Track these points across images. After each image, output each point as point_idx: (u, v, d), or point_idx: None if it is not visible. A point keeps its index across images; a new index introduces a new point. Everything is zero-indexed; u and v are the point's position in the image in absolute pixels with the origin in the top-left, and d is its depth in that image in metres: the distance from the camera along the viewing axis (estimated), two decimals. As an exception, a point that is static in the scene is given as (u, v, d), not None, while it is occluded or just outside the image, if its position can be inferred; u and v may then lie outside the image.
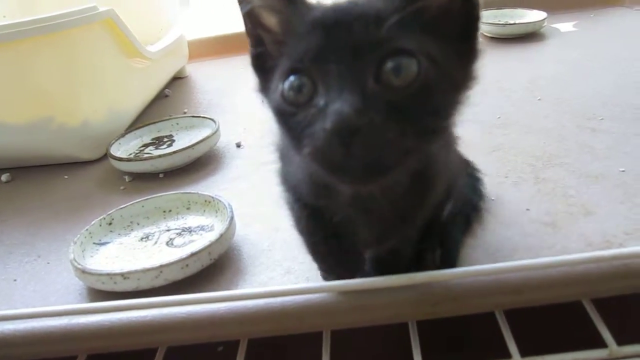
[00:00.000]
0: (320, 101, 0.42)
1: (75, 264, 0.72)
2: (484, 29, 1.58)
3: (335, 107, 0.39)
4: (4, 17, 1.65)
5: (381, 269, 0.59)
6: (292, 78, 0.43)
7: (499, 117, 1.07)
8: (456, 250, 0.69)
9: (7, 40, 1.01)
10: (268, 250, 0.77)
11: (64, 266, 0.82)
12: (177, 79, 1.66)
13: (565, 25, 1.63)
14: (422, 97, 0.42)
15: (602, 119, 1.00)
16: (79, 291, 0.75)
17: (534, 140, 0.96)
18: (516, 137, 0.98)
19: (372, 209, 0.51)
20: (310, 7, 0.47)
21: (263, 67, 0.50)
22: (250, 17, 0.50)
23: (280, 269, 0.73)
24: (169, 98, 1.53)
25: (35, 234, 0.93)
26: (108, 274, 0.68)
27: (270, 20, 0.49)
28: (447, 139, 0.57)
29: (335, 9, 0.45)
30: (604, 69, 1.25)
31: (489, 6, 1.71)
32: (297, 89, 0.43)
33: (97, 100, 1.16)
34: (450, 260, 0.67)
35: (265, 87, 0.49)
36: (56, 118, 1.10)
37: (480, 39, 0.49)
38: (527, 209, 0.77)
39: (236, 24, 1.86)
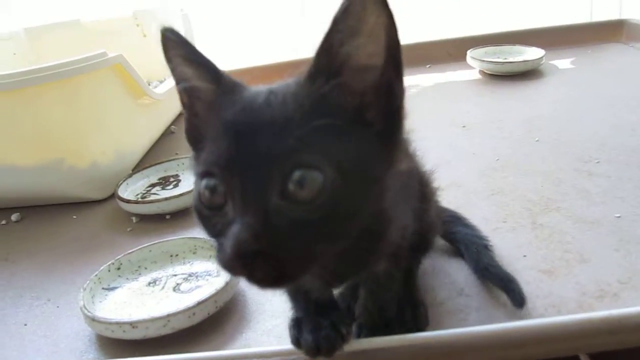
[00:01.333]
0: (230, 211, 0.42)
1: (85, 311, 0.74)
2: (483, 66, 1.62)
3: (234, 230, 0.40)
4: (14, 54, 1.70)
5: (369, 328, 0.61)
6: (208, 181, 0.44)
7: (497, 159, 1.09)
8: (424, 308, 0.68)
9: (19, 87, 1.04)
10: (272, 298, 0.79)
11: (73, 311, 0.84)
12: (182, 114, 1.69)
13: (563, 62, 1.67)
14: (331, 208, 0.41)
15: (598, 162, 1.02)
16: (89, 337, 0.77)
17: (531, 184, 0.98)
18: (514, 180, 1.00)
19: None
20: (233, 98, 0.46)
21: (195, 136, 0.51)
22: (186, 92, 0.51)
23: (284, 316, 0.74)
24: (174, 134, 1.56)
25: (45, 277, 0.95)
26: (117, 323, 0.71)
27: (203, 98, 0.50)
28: (404, 191, 0.55)
29: (246, 111, 0.44)
30: (600, 109, 1.27)
31: (488, 43, 1.75)
32: (212, 190, 0.43)
33: (105, 142, 1.19)
34: (418, 320, 0.67)
35: (196, 159, 0.50)
36: (66, 160, 1.13)
37: (404, 119, 0.48)
38: (524, 256, 0.79)
39: (240, 59, 1.91)
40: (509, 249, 0.81)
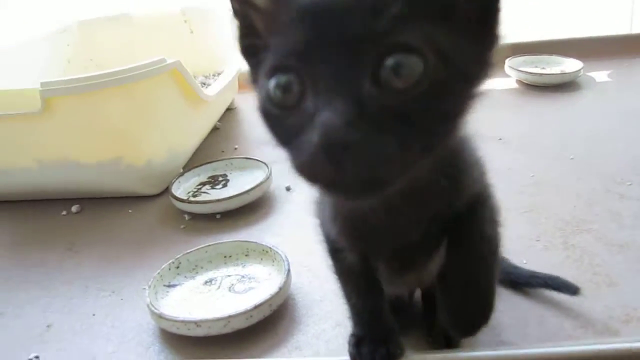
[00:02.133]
0: (310, 105, 0.37)
1: (152, 308, 0.82)
2: (520, 76, 1.66)
3: (323, 117, 0.35)
4: (68, 45, 1.79)
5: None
6: (277, 77, 0.38)
7: (532, 176, 1.14)
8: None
9: (86, 91, 1.12)
10: (320, 301, 0.86)
11: (136, 304, 0.92)
12: (227, 110, 1.76)
13: (600, 74, 1.70)
14: (429, 100, 0.36)
15: (630, 184, 1.07)
16: (153, 330, 0.85)
17: (564, 203, 1.03)
18: (548, 198, 1.05)
19: (393, 211, 0.47)
20: None
21: (255, 54, 0.44)
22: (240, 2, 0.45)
23: (332, 321, 0.82)
24: (219, 131, 1.63)
25: (107, 269, 1.04)
26: (183, 321, 0.79)
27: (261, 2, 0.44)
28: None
29: None
30: (635, 127, 1.31)
31: (526, 51, 1.78)
32: (285, 88, 0.38)
33: (160, 142, 1.27)
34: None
35: (254, 77, 0.45)
36: (124, 159, 1.21)
37: (500, 25, 0.43)
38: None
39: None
40: (542, 268, 0.86)
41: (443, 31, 0.37)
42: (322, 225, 0.63)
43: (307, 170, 0.37)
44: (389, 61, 0.35)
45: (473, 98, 0.42)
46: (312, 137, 0.35)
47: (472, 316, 0.59)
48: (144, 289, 0.93)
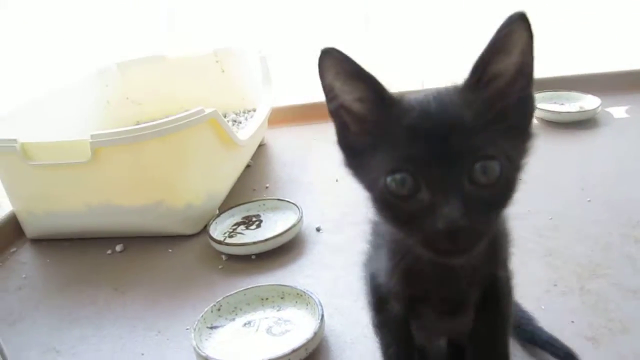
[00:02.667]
0: (425, 197, 0.50)
1: (199, 351, 0.90)
2: (538, 113, 1.71)
3: (445, 211, 0.48)
4: (107, 86, 1.90)
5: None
6: (397, 175, 0.51)
7: (551, 218, 1.20)
8: None
9: (130, 142, 1.22)
10: (351, 344, 0.93)
11: (181, 344, 1.00)
12: (258, 147, 1.84)
13: (618, 110, 1.75)
14: (504, 190, 0.52)
15: (645, 228, 1.12)
16: (198, 370, 0.93)
17: (582, 247, 1.09)
18: (566, 242, 1.11)
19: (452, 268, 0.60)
20: (400, 107, 0.54)
21: (349, 146, 0.58)
22: (340, 108, 0.57)
23: (363, 364, 0.89)
24: (251, 168, 1.71)
25: (152, 309, 1.12)
26: (227, 364, 0.86)
27: (359, 111, 0.56)
28: None
29: (427, 116, 0.52)
30: (651, 167, 1.37)
31: (545, 88, 1.84)
32: (401, 184, 0.51)
33: (198, 185, 1.36)
34: None
35: (352, 163, 0.58)
36: (165, 202, 1.31)
37: (534, 122, 0.58)
38: (572, 322, 0.90)
39: (310, 94, 2.06)
40: (559, 313, 0.92)
41: (506, 138, 0.52)
42: (372, 277, 0.72)
43: (431, 244, 0.51)
44: (478, 165, 0.50)
45: (520, 180, 0.56)
46: (438, 224, 0.49)
47: None
48: (188, 329, 1.01)
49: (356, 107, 0.56)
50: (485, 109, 0.52)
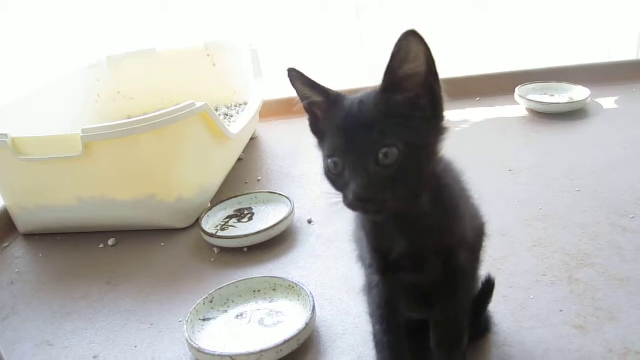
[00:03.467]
0: (347, 176, 0.66)
1: (191, 342, 0.90)
2: (528, 105, 1.73)
3: (352, 186, 0.64)
4: (98, 80, 1.90)
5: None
6: (330, 160, 0.67)
7: (540, 209, 1.21)
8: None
9: (122, 136, 1.22)
10: (342, 334, 0.94)
11: (174, 336, 1.01)
12: (249, 140, 1.84)
13: (607, 101, 1.76)
14: (407, 167, 0.64)
15: (633, 217, 1.13)
16: (191, 362, 0.94)
17: (570, 237, 1.10)
18: (555, 231, 1.12)
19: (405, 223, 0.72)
20: (338, 108, 0.68)
21: (318, 131, 0.72)
22: (309, 105, 0.73)
23: (355, 353, 0.89)
24: (242, 161, 1.72)
25: (144, 302, 1.12)
26: (220, 355, 0.87)
27: (322, 106, 0.71)
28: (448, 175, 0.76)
29: (349, 118, 0.66)
30: (639, 157, 1.38)
31: (534, 80, 1.85)
32: (333, 165, 0.67)
33: (190, 178, 1.36)
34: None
35: (319, 145, 0.72)
36: (157, 195, 1.31)
37: (444, 110, 0.67)
38: (561, 310, 0.91)
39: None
40: (548, 303, 0.93)
41: (409, 128, 0.65)
42: (360, 254, 0.84)
43: (350, 207, 0.66)
44: (381, 152, 0.63)
45: (435, 154, 0.68)
46: (349, 195, 0.65)
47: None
48: (180, 322, 1.02)
49: (319, 103, 0.71)
50: (394, 107, 0.65)
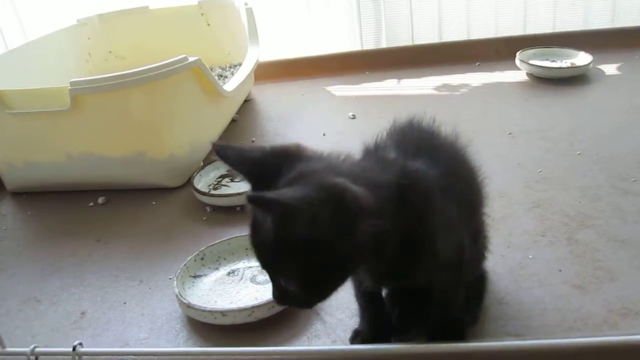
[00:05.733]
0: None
1: (181, 298, 0.88)
2: (531, 69, 1.69)
3: (272, 294, 0.64)
4: (89, 38, 1.85)
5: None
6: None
7: (540, 171, 1.19)
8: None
9: (111, 90, 1.18)
10: (336, 293, 0.92)
11: (164, 292, 0.98)
12: (244, 102, 1.80)
13: (610, 67, 1.72)
14: (301, 289, 0.61)
15: (634, 180, 1.11)
16: (180, 318, 0.92)
17: (570, 199, 1.08)
18: (555, 193, 1.10)
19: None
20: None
21: None
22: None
23: (348, 311, 0.87)
24: (237, 123, 1.68)
25: (135, 260, 1.10)
26: (210, 311, 0.85)
27: None
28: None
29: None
30: (642, 123, 1.35)
31: (537, 44, 1.81)
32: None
33: (182, 136, 1.33)
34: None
35: None
36: (147, 152, 1.28)
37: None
38: (560, 270, 0.89)
39: (298, 50, 2.01)
40: (547, 263, 0.91)
41: (295, 262, 0.59)
42: None
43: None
44: (281, 280, 0.62)
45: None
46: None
47: None
48: (171, 278, 0.99)
49: None
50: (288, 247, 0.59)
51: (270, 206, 0.55)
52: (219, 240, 1.03)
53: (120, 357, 0.76)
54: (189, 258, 0.99)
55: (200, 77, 1.32)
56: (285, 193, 0.56)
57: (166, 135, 1.30)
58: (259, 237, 0.61)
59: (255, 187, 0.64)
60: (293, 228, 0.56)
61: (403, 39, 2.05)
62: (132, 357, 0.75)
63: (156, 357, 0.75)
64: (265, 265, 0.63)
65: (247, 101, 1.82)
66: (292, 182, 0.59)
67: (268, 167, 0.63)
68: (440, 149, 0.73)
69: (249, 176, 0.65)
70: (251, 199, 0.54)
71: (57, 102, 1.20)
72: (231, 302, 0.90)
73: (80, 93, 1.18)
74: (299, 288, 0.61)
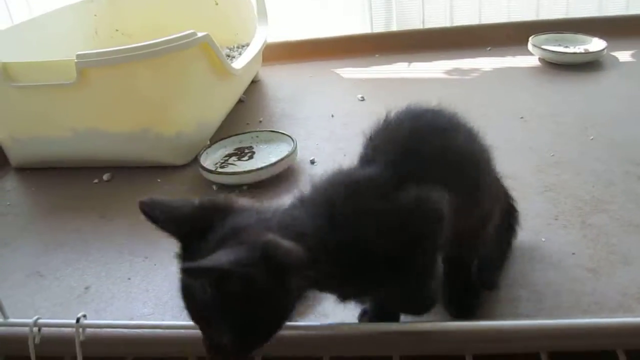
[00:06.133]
0: None
1: (186, 274, 0.86)
2: (542, 54, 1.67)
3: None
4: (95, 15, 1.83)
5: None
6: None
7: (552, 155, 1.17)
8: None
9: (117, 63, 1.16)
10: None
11: (169, 269, 0.96)
12: (251, 83, 1.79)
13: (624, 54, 1.70)
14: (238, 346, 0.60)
15: (649, 166, 1.09)
16: (185, 294, 0.90)
17: (583, 183, 1.06)
18: (568, 178, 1.08)
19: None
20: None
21: None
22: None
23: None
24: (244, 103, 1.66)
25: (139, 237, 1.08)
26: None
27: None
28: None
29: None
30: (656, 109, 1.33)
31: (549, 29, 1.78)
32: None
33: (189, 113, 1.31)
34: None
35: None
36: (153, 129, 1.26)
37: None
38: (573, 253, 0.87)
39: (308, 31, 1.99)
40: (560, 246, 0.90)
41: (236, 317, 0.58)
42: None
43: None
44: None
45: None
46: None
47: None
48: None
49: None
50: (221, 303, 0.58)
51: (206, 274, 0.55)
52: (225, 218, 1.01)
53: (123, 329, 0.74)
54: (194, 235, 0.97)
55: (209, 53, 1.30)
56: (219, 258, 0.55)
57: (173, 112, 1.28)
58: (190, 296, 0.60)
59: (184, 245, 0.64)
60: (228, 288, 0.55)
61: (414, 22, 2.02)
62: (136, 330, 0.74)
63: (160, 329, 0.73)
64: (198, 321, 0.61)
65: (255, 82, 1.80)
66: (225, 240, 0.58)
67: (198, 222, 0.62)
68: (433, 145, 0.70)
69: (179, 235, 0.64)
70: (188, 271, 0.55)
71: (63, 75, 1.18)
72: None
73: (86, 66, 1.16)
74: (234, 340, 0.59)
